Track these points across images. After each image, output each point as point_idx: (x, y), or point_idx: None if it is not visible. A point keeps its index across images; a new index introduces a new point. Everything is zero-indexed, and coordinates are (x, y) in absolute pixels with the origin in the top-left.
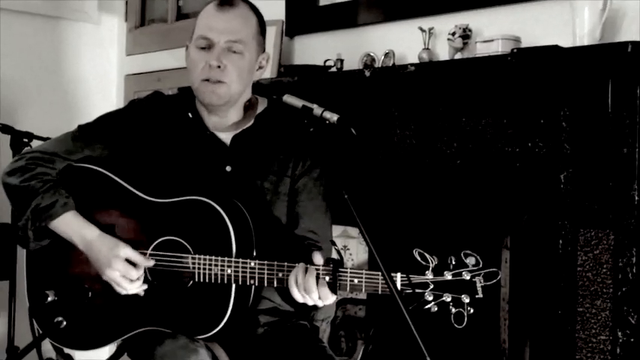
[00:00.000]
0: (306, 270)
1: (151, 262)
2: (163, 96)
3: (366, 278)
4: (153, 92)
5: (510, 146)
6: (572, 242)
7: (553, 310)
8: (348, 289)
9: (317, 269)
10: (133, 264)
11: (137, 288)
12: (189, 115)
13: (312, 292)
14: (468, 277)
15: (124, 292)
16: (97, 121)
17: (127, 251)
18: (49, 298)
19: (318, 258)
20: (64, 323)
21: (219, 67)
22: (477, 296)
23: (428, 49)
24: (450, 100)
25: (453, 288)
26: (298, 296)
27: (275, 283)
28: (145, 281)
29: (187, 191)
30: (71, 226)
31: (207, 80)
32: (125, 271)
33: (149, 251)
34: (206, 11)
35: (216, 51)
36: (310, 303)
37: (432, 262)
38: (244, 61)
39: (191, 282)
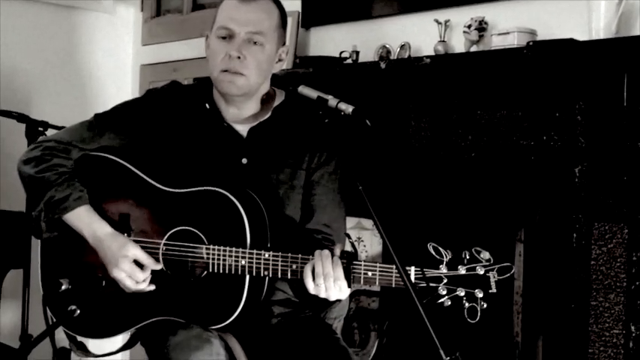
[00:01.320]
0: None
1: (159, 266)
2: (181, 86)
3: (380, 271)
4: (170, 82)
5: (525, 139)
6: (586, 236)
7: (566, 304)
8: (362, 282)
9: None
10: (141, 265)
11: (143, 289)
12: (207, 106)
13: (339, 279)
14: (482, 272)
15: (129, 291)
16: (113, 110)
17: (136, 252)
18: (63, 287)
19: (337, 251)
20: (78, 312)
21: (238, 57)
22: (490, 291)
23: (444, 41)
24: (465, 93)
25: (467, 282)
26: (311, 286)
27: (289, 274)
28: (159, 272)
29: (202, 182)
30: (83, 220)
31: (227, 71)
32: (131, 272)
33: (163, 241)
34: (228, 2)
35: (237, 42)
36: (322, 295)
37: (446, 256)
38: (264, 54)
39: (205, 272)
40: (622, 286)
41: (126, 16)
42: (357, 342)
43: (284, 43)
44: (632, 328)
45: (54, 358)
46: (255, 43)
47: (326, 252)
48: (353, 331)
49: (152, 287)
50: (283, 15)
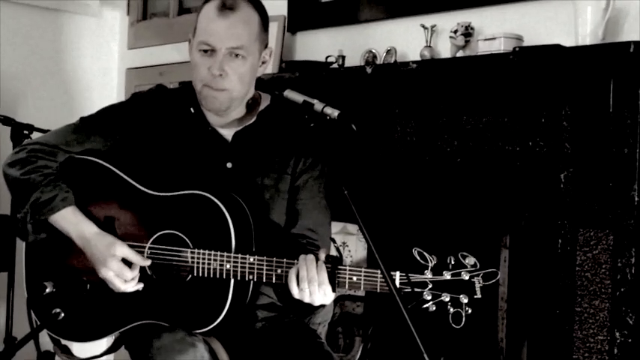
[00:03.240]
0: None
1: (148, 262)
2: (166, 89)
3: (364, 276)
4: (156, 85)
5: (511, 145)
6: (572, 242)
7: (551, 310)
8: (346, 286)
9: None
10: (129, 263)
11: (131, 287)
12: (191, 110)
13: (324, 283)
14: (467, 278)
15: (118, 291)
16: (99, 113)
17: (124, 250)
18: (48, 290)
19: (322, 256)
20: (62, 315)
21: (220, 75)
22: (475, 297)
23: (430, 46)
24: (451, 98)
25: (452, 288)
26: (296, 291)
27: (274, 279)
28: (144, 275)
29: (187, 186)
30: (70, 221)
31: (210, 87)
32: (119, 271)
33: (148, 244)
34: (207, 13)
35: (218, 58)
36: (307, 300)
37: (431, 261)
38: (246, 66)
39: (190, 276)
40: (607, 292)
41: (112, 20)
42: (341, 347)
43: (266, 45)
44: (617, 334)
45: None
46: (236, 55)
47: (310, 256)
48: (337, 336)
49: (140, 285)
50: (264, 18)
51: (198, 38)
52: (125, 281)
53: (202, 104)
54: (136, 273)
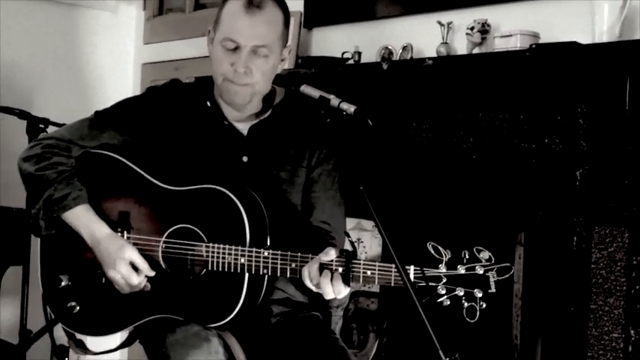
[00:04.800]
0: (320, 269)
1: (152, 273)
2: (181, 84)
3: (379, 270)
4: (171, 80)
5: (526, 142)
6: (587, 239)
7: (566, 307)
8: (361, 280)
9: (329, 264)
10: (137, 268)
11: (138, 289)
12: (208, 104)
13: (327, 292)
14: (481, 272)
15: (123, 292)
16: (114, 107)
17: (133, 255)
18: (63, 283)
19: (330, 254)
20: (77, 308)
21: (245, 72)
22: (489, 291)
23: (446, 43)
24: (467, 95)
25: (466, 282)
26: (312, 287)
27: (288, 273)
28: (159, 270)
29: (203, 180)
30: (81, 219)
31: (232, 82)
32: (127, 276)
33: (163, 238)
34: (232, 8)
35: (243, 55)
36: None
37: (446, 255)
38: (269, 64)
39: (204, 270)
40: (622, 289)
41: (128, 15)
42: (355, 343)
43: (286, 44)
44: (632, 332)
45: (52, 355)
46: (260, 54)
47: (315, 260)
48: (352, 332)
49: (147, 287)
50: (287, 17)
51: (222, 34)
52: (131, 285)
53: (223, 97)
54: (142, 278)
